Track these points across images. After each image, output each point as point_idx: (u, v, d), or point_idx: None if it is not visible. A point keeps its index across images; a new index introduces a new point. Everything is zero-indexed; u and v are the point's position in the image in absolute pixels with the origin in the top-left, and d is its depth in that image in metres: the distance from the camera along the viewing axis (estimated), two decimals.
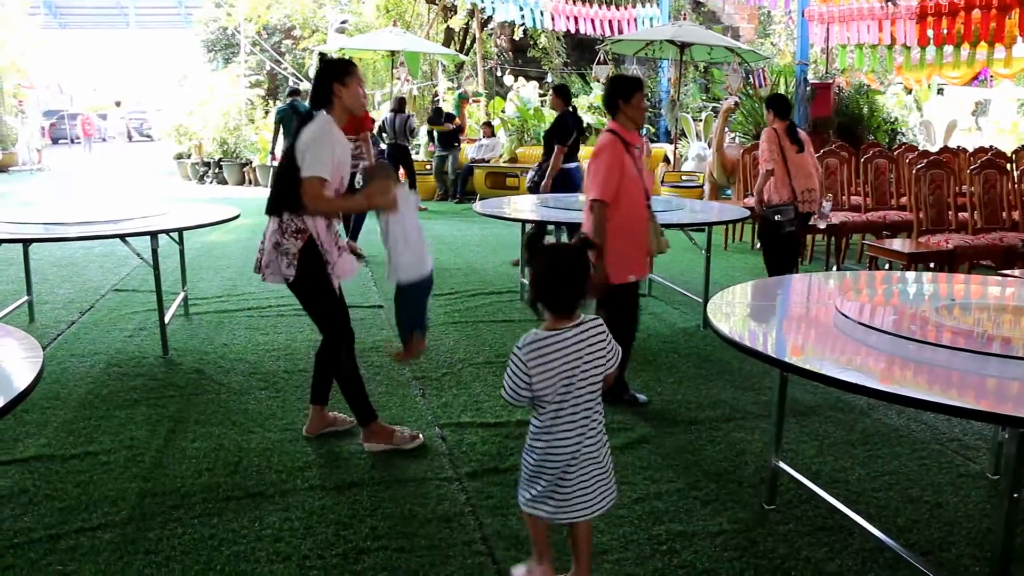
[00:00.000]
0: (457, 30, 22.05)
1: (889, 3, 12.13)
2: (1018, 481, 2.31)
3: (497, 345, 5.68)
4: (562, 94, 8.27)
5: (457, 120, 14.88)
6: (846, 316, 2.91)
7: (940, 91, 19.49)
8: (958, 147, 12.09)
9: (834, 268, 8.24)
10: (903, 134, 16.18)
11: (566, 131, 7.92)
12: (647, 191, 4.46)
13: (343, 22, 22.18)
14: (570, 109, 8.14)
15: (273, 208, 3.72)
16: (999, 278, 4.61)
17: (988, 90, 19.65)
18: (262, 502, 3.40)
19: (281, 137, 11.90)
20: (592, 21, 16.78)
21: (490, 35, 23.53)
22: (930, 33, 12.22)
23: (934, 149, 12.33)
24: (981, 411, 2.17)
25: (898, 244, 7.18)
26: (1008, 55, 12.00)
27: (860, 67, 14.59)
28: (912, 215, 7.50)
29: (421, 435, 4.02)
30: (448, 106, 16.71)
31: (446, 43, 21.38)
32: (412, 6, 22.64)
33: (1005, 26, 11.13)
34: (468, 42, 22.26)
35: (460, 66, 21.51)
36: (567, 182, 7.91)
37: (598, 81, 17.02)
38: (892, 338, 2.68)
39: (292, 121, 10.65)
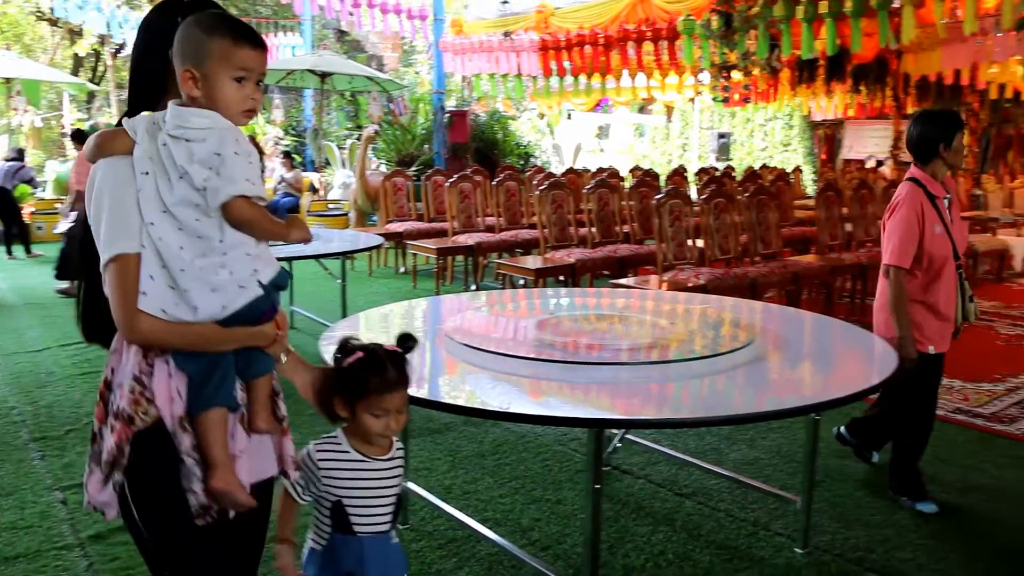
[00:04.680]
0: (85, 56, 20.65)
1: (508, 37, 12.98)
2: (599, 474, 2.57)
3: None
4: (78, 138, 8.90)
5: None
6: (452, 339, 3.07)
7: (569, 116, 21.16)
8: (583, 168, 13.19)
9: (473, 287, 8.66)
10: (536, 157, 17.36)
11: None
12: (956, 250, 3.77)
13: None
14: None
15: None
16: (609, 288, 5.12)
17: (608, 115, 21.64)
18: None
19: None
20: None
21: (125, 62, 22.27)
22: (553, 64, 13.22)
23: (562, 170, 13.36)
24: (560, 417, 2.38)
25: (528, 261, 7.68)
26: (618, 86, 13.31)
27: (495, 95, 15.47)
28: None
29: None
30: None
31: (75, 70, 19.93)
32: (32, 28, 20.89)
33: (611, 61, 12.30)
34: (101, 69, 20.91)
35: (92, 95, 20.18)
36: None
37: None
38: (494, 356, 2.87)
39: None
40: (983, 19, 8.10)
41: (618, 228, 8.32)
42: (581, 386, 2.69)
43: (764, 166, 13.67)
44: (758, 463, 4.28)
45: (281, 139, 15.85)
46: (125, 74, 21.91)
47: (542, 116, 19.87)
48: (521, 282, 7.62)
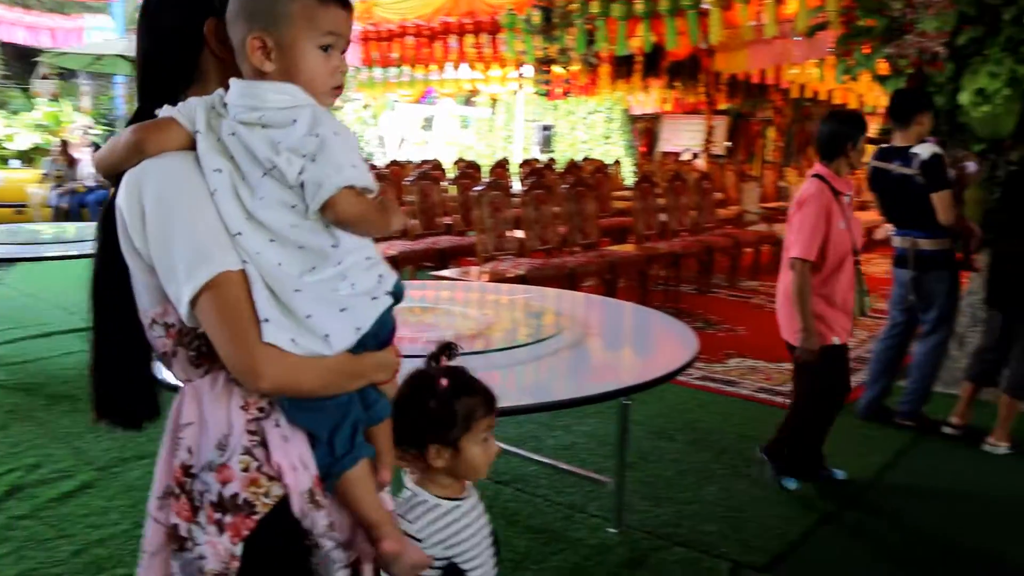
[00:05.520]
0: None
1: None
2: None
3: None
4: None
5: None
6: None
7: (393, 107, 21.01)
8: (407, 159, 13.16)
9: None
10: (361, 148, 17.12)
11: None
12: (855, 245, 3.89)
13: None
14: None
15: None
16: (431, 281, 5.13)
17: (433, 107, 21.61)
18: None
19: None
20: (31, 30, 15.34)
21: None
22: (375, 55, 13.10)
23: (386, 161, 13.29)
24: None
25: None
26: (441, 77, 13.36)
27: None
28: None
29: None
30: None
31: None
32: None
33: (435, 52, 12.32)
34: None
35: None
36: None
37: (41, 97, 15.68)
38: None
39: None
40: (783, 24, 8.55)
41: (440, 220, 8.34)
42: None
43: (586, 158, 14.02)
44: (575, 448, 4.41)
45: (91, 128, 14.99)
46: None
47: (366, 107, 19.65)
48: None
